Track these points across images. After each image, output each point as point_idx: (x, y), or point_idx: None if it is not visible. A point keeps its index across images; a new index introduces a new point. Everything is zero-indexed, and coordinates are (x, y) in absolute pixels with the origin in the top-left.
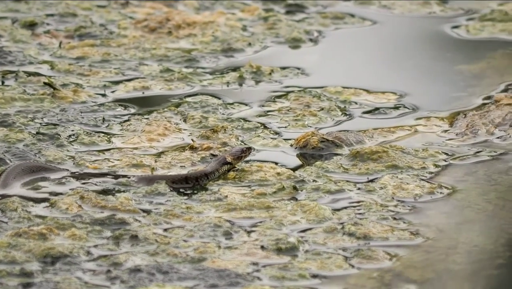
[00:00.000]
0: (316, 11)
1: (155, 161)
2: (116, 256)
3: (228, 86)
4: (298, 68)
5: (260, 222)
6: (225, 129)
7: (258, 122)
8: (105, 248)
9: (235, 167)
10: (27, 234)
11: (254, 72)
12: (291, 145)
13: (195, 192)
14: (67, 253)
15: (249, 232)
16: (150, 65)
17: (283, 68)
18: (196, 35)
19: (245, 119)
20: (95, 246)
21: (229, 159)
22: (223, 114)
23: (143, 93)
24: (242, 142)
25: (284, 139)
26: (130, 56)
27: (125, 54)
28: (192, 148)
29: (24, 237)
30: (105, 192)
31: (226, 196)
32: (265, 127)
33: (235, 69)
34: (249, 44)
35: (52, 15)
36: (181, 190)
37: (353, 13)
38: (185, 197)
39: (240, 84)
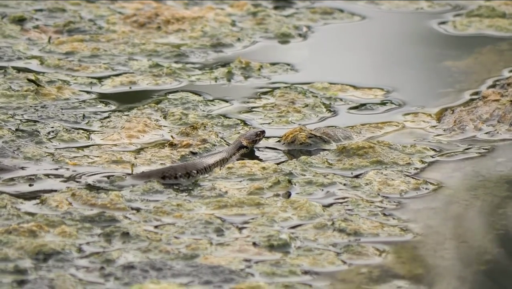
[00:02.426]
0: (304, 6)
1: (135, 158)
2: (108, 253)
3: (216, 81)
4: (288, 64)
5: (252, 218)
6: (205, 126)
7: (238, 119)
8: (96, 245)
9: (250, 150)
10: (17, 231)
11: (243, 68)
12: (278, 141)
13: (191, 188)
14: (59, 250)
15: (240, 229)
16: (139, 60)
17: (273, 64)
18: (185, 30)
19: (225, 116)
20: (87, 243)
21: (245, 143)
22: (203, 111)
23: (130, 88)
24: (222, 139)
25: (266, 137)
26: (120, 51)
27: (114, 49)
28: (172, 145)
29: (15, 234)
30: (98, 189)
31: (227, 192)
32: (245, 124)
33: (224, 64)
34: (238, 39)
35: (41, 10)
36: (175, 187)
37: (341, 8)
38: (185, 194)
39: (229, 80)
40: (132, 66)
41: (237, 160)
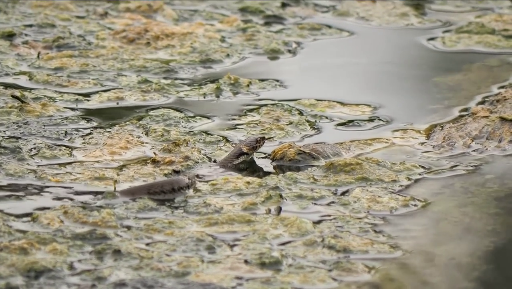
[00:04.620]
0: (294, 22)
1: (117, 174)
2: (100, 271)
3: (205, 97)
4: (277, 80)
5: (243, 236)
6: (187, 143)
7: (220, 136)
8: (88, 262)
9: (251, 157)
10: (8, 248)
11: (232, 84)
12: (266, 157)
13: (183, 205)
14: (50, 268)
15: (232, 246)
16: (128, 76)
17: (262, 80)
18: (174, 46)
19: (207, 133)
20: (79, 260)
21: (245, 149)
22: (185, 127)
23: (117, 103)
24: (205, 155)
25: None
26: (109, 67)
27: (103, 65)
28: (154, 161)
29: (6, 252)
30: (91, 207)
31: (222, 208)
32: (227, 140)
33: (213, 80)
34: (228, 55)
35: (30, 25)
36: (167, 203)
37: (329, 24)
38: (180, 211)
39: (218, 96)
40: (121, 82)
41: (236, 166)
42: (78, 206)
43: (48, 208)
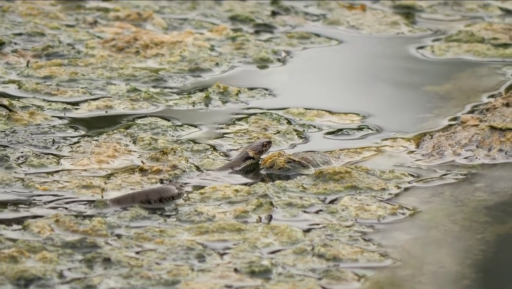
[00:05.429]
0: (284, 31)
1: (105, 183)
2: (89, 279)
3: (194, 106)
4: (266, 89)
5: (234, 244)
6: (174, 152)
7: (208, 144)
8: (78, 271)
9: (257, 161)
10: None
11: (221, 93)
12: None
13: (174, 213)
14: (40, 276)
15: (222, 255)
16: (117, 84)
17: (251, 88)
18: (163, 55)
19: (195, 141)
20: (69, 269)
21: (251, 154)
22: (172, 136)
23: (106, 112)
24: (193, 164)
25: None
26: (98, 75)
27: (92, 74)
28: (142, 170)
29: None
30: (83, 215)
31: (214, 216)
32: (215, 149)
33: (202, 89)
34: (217, 64)
35: (20, 34)
36: (158, 212)
37: (318, 33)
38: (173, 219)
39: (207, 105)
40: (110, 91)
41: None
42: (70, 215)
43: (37, 217)
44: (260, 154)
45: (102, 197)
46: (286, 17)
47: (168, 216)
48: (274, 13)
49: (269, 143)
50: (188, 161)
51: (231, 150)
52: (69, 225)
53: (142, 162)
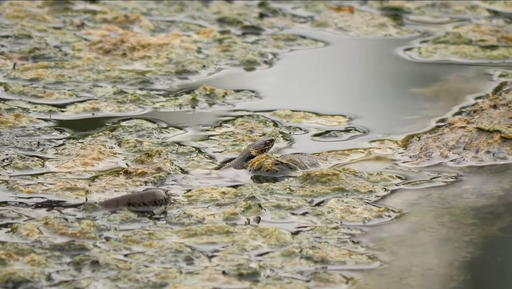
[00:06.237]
0: (272, 33)
1: (89, 185)
2: (78, 282)
3: (180, 108)
4: (252, 91)
5: (222, 247)
6: (159, 154)
7: (193, 147)
8: (66, 273)
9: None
10: None
11: (207, 95)
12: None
13: (162, 216)
14: (28, 278)
15: (210, 257)
16: (104, 87)
17: (237, 90)
18: (150, 57)
19: (180, 144)
20: (57, 271)
21: (253, 152)
22: (158, 138)
23: (93, 114)
24: (178, 167)
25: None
26: (84, 78)
27: (79, 76)
28: (127, 173)
29: None
30: (72, 218)
31: (204, 218)
32: (200, 151)
33: (189, 91)
34: (203, 66)
35: (7, 36)
36: (147, 214)
37: (307, 35)
38: (163, 222)
39: (193, 107)
40: (96, 93)
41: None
42: (60, 217)
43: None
44: (263, 152)
45: (86, 199)
46: (274, 19)
47: (158, 219)
48: (261, 15)
49: (271, 141)
50: (173, 163)
51: (215, 152)
52: (57, 228)
53: (127, 164)
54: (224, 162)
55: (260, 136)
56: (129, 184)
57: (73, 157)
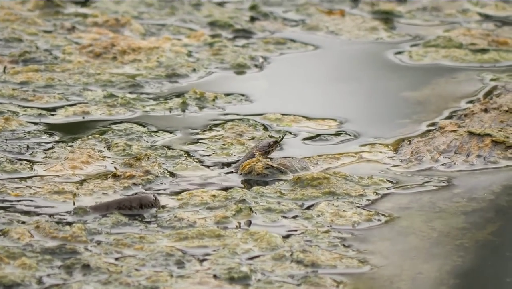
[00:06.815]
0: (263, 37)
1: (77, 188)
2: (68, 285)
3: (171, 112)
4: (242, 95)
5: (213, 250)
6: (148, 157)
7: (182, 150)
8: (57, 277)
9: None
10: None
11: (197, 98)
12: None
13: (153, 220)
14: (19, 282)
15: (201, 261)
16: (94, 90)
17: (227, 94)
18: (141, 60)
19: (169, 147)
20: (48, 275)
21: (257, 154)
22: (147, 142)
23: (83, 118)
24: (166, 170)
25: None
26: (74, 81)
27: (69, 80)
28: (115, 176)
29: None
30: (64, 222)
31: (195, 222)
32: (189, 155)
33: (179, 95)
34: (194, 70)
35: None
36: (138, 218)
37: (298, 39)
38: (154, 225)
39: (183, 111)
40: (86, 97)
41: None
42: (51, 221)
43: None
44: (267, 154)
45: (74, 203)
46: (265, 23)
47: (149, 222)
48: (253, 19)
49: (275, 143)
50: (161, 166)
51: (203, 156)
52: (49, 231)
53: (115, 167)
54: (228, 164)
55: (260, 139)
56: (117, 187)
57: (62, 160)
